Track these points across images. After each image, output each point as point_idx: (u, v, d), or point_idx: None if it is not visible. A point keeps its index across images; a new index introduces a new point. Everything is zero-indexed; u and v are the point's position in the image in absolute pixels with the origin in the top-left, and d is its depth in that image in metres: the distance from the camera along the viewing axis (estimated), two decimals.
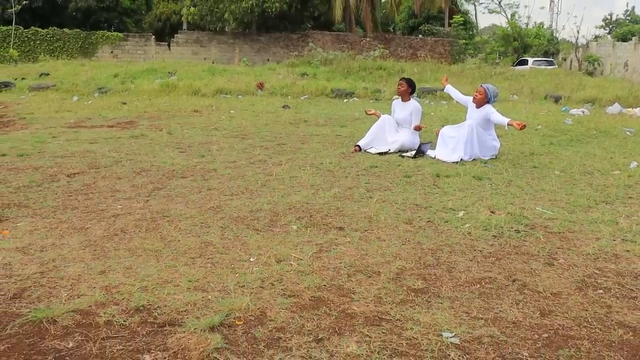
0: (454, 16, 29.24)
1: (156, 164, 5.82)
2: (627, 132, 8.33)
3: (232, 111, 11.14)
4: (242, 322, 2.46)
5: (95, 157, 6.13)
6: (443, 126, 6.74)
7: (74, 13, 26.19)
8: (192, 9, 26.72)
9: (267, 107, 11.87)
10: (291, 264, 3.12)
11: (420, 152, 6.27)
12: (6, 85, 13.73)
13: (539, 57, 28.84)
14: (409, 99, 6.81)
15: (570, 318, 2.57)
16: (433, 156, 6.24)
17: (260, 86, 14.18)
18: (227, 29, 27.91)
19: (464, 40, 27.95)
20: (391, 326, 2.44)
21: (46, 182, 5.05)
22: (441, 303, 2.67)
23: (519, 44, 33.80)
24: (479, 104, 6.41)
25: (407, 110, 6.74)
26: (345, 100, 13.48)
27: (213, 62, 23.93)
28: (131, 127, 8.83)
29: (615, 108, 10.99)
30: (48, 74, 16.25)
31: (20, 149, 6.50)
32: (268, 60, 27.15)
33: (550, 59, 28.27)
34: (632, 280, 3.03)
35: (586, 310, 2.64)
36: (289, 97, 13.75)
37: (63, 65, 18.65)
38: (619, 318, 2.59)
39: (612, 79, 19.07)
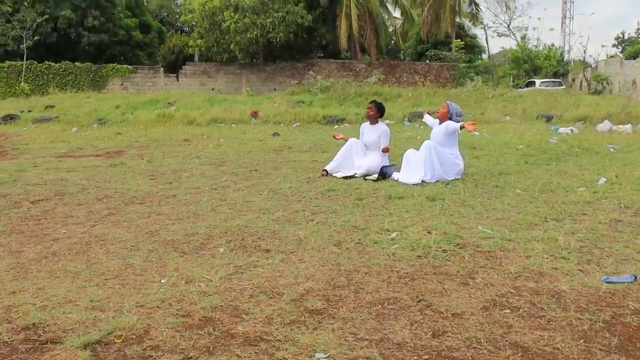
0: (454, 41, 29.35)
1: (120, 191, 5.90)
2: (611, 149, 8.18)
3: (221, 139, 11.29)
4: (121, 341, 2.46)
5: (65, 185, 6.25)
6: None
7: (86, 47, 27.06)
8: (199, 40, 27.38)
9: (257, 135, 12.00)
10: (200, 285, 3.11)
11: (382, 175, 6.24)
12: (11, 117, 14.18)
13: (547, 78, 28.68)
14: (377, 122, 6.82)
15: (462, 339, 2.49)
16: (396, 179, 6.20)
17: (255, 115, 14.36)
18: (239, 58, 28.51)
19: (464, 64, 27.99)
20: (267, 346, 2.41)
21: (7, 208, 5.18)
22: (332, 324, 2.62)
23: (530, 66, 33.77)
24: (442, 118, 6.43)
25: (376, 133, 6.74)
26: (336, 127, 13.55)
27: (221, 93, 24.40)
28: (117, 156, 9.01)
29: (605, 125, 10.82)
30: (53, 106, 16.75)
31: None
32: (275, 89, 27.51)
33: (559, 80, 28.11)
34: (547, 299, 2.94)
35: (482, 331, 2.56)
36: (282, 124, 13.89)
37: (70, 97, 19.21)
38: (515, 338, 2.50)
39: (610, 96, 18.82)
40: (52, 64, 25.36)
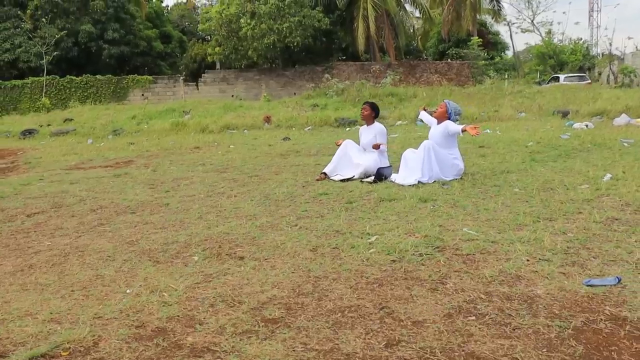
0: (472, 38, 28.88)
1: (116, 201, 5.94)
2: (625, 144, 7.85)
3: (231, 146, 11.32)
4: (67, 353, 2.45)
5: (64, 197, 6.32)
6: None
7: (107, 60, 27.66)
8: (217, 48, 27.66)
9: (268, 140, 11.99)
10: (163, 295, 3.07)
11: (379, 177, 6.11)
12: (30, 132, 14.55)
13: (572, 73, 27.96)
14: (373, 122, 6.72)
15: (415, 349, 2.38)
16: (394, 180, 6.08)
17: (267, 120, 14.38)
18: (258, 64, 28.70)
19: (483, 62, 27.50)
20: (212, 357, 2.35)
21: (1, 222, 5.25)
22: (285, 333, 2.55)
23: (555, 62, 32.98)
24: (440, 118, 6.26)
25: (372, 133, 6.64)
26: (347, 129, 13.44)
27: (240, 99, 24.58)
28: (125, 166, 9.11)
29: (623, 119, 10.40)
30: (72, 120, 17.12)
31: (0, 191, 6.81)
32: (294, 93, 27.55)
33: (583, 74, 27.34)
34: (518, 304, 2.79)
35: (439, 340, 2.44)
36: (294, 128, 13.86)
37: (88, 110, 19.63)
38: (473, 348, 2.38)
39: (632, 90, 18.15)
40: (74, 78, 25.99)
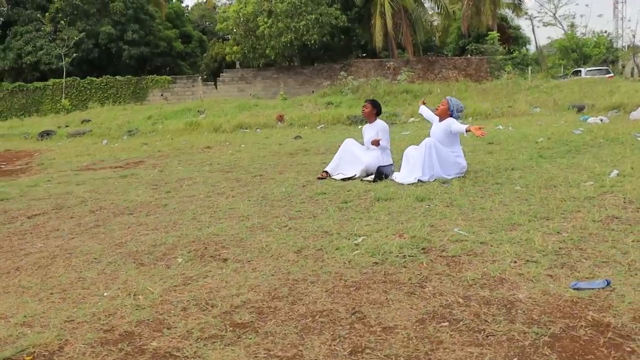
0: (490, 33, 28.38)
1: (116, 202, 5.97)
2: (638, 138, 7.59)
3: (242, 145, 11.32)
4: (30, 358, 2.44)
5: (67, 199, 6.38)
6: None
7: (127, 61, 28.04)
8: (235, 47, 27.78)
9: (280, 139, 11.96)
10: (139, 298, 3.05)
11: (379, 175, 6.02)
12: (48, 133, 14.82)
13: (595, 66, 27.25)
14: (375, 120, 6.63)
15: (380, 356, 2.31)
16: (394, 178, 5.98)
17: (280, 118, 14.36)
18: (276, 62, 28.75)
19: (500, 57, 26.99)
20: None
21: (1, 224, 5.32)
22: (250, 339, 2.50)
23: (578, 55, 32.25)
24: (442, 115, 6.12)
25: (374, 130, 6.56)
26: (359, 127, 13.30)
27: (258, 98, 24.66)
28: (134, 167, 9.18)
29: (639, 113, 10.05)
30: (89, 120, 17.39)
31: (5, 193, 6.91)
32: (312, 92, 27.50)
33: (606, 68, 26.59)
34: (496, 310, 2.68)
35: (406, 347, 2.36)
36: (306, 127, 13.80)
37: (106, 111, 19.91)
38: (441, 356, 2.29)
39: None
40: (94, 79, 26.42)
